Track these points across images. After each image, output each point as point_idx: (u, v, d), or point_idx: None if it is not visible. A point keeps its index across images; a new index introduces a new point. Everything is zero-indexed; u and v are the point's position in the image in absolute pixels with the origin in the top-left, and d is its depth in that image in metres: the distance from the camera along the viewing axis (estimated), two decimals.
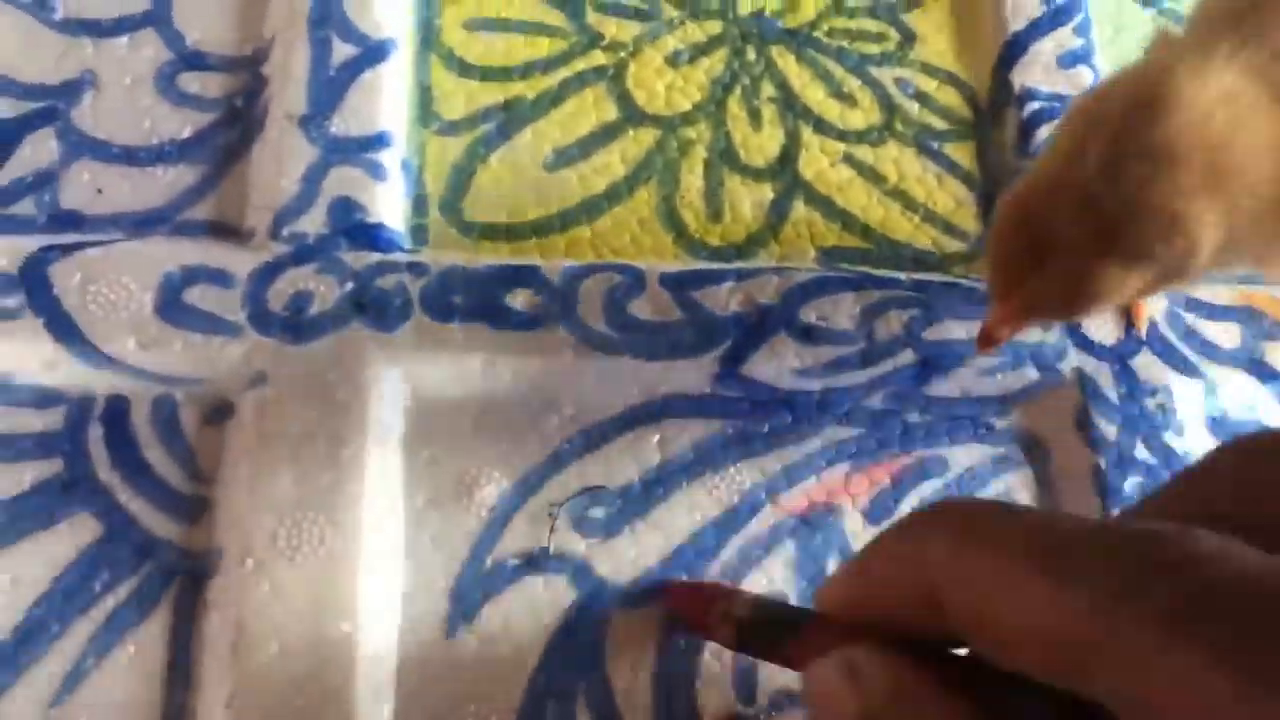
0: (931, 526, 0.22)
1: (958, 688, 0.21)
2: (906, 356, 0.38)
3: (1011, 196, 0.31)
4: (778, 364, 0.37)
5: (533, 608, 0.35)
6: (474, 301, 0.37)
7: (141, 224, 0.39)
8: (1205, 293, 0.40)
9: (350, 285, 0.37)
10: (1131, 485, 0.37)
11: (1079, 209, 0.29)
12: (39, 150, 0.39)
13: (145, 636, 0.33)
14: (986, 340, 0.33)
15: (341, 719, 0.32)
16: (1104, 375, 0.38)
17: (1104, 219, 0.29)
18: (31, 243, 0.37)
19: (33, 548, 0.34)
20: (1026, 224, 0.30)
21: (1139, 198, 0.28)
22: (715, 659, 0.34)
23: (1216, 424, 0.39)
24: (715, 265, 0.39)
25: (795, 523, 0.37)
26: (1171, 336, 0.39)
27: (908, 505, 0.37)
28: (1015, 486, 0.38)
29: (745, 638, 0.31)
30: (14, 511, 0.34)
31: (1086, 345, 0.39)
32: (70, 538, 0.34)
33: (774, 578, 0.36)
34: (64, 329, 0.35)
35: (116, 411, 0.36)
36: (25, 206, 0.38)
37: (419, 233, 0.40)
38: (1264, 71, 0.29)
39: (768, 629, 0.29)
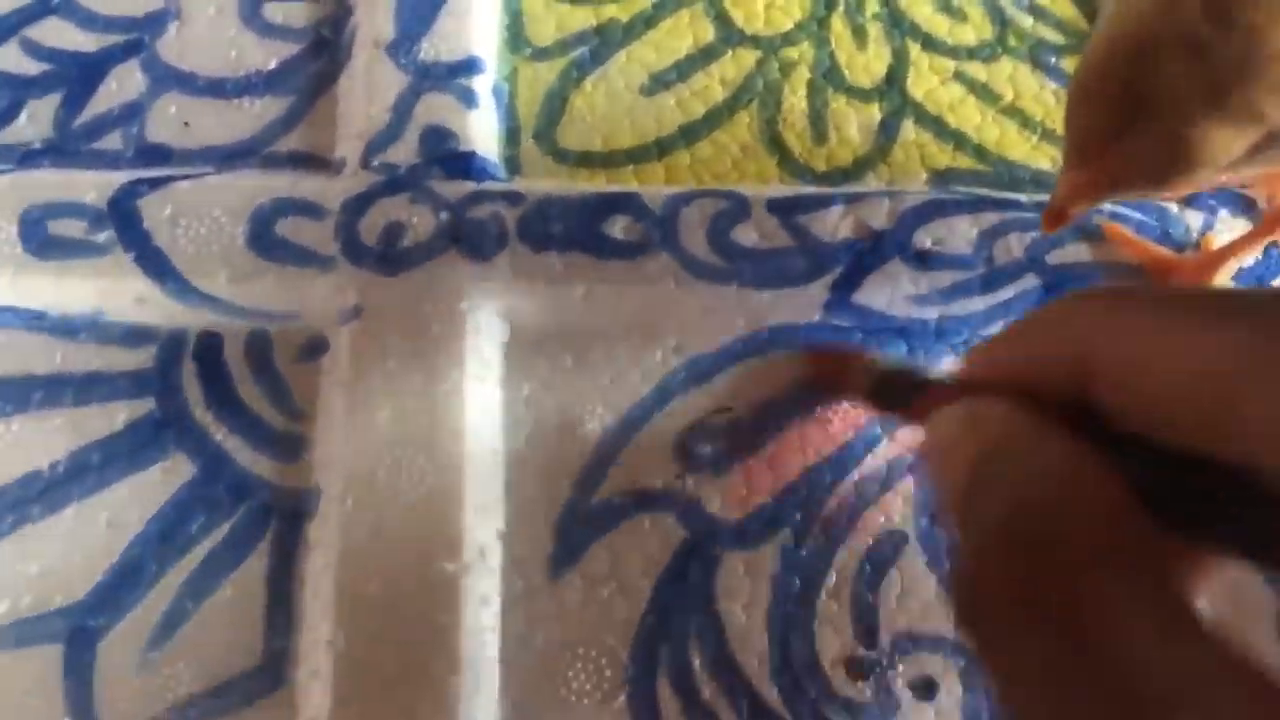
0: (1087, 294, 0.22)
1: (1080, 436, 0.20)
2: (1029, 281, 0.36)
3: (1100, 41, 0.27)
4: (892, 291, 0.35)
5: (641, 547, 0.33)
6: (572, 230, 0.35)
7: (230, 157, 0.37)
8: None
9: (444, 215, 0.35)
10: None
11: (1181, 57, 0.25)
12: (125, 84, 0.38)
13: (244, 578, 0.32)
14: (1057, 217, 0.29)
15: (447, 660, 0.30)
16: None
17: (1211, 70, 0.25)
18: (120, 177, 0.36)
19: (128, 489, 0.33)
20: (1117, 75, 0.27)
21: (1251, 45, 0.24)
22: (833, 599, 0.33)
23: None
24: (823, 190, 0.37)
25: (914, 457, 0.35)
26: None
27: None
28: None
29: (876, 391, 0.29)
30: (108, 452, 0.33)
31: None
32: (166, 478, 0.33)
33: (891, 514, 0.34)
34: (155, 264, 0.34)
35: (209, 348, 0.35)
36: (112, 140, 0.37)
37: (512, 162, 0.38)
38: None
39: (900, 383, 0.28)
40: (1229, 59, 0.25)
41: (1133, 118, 0.26)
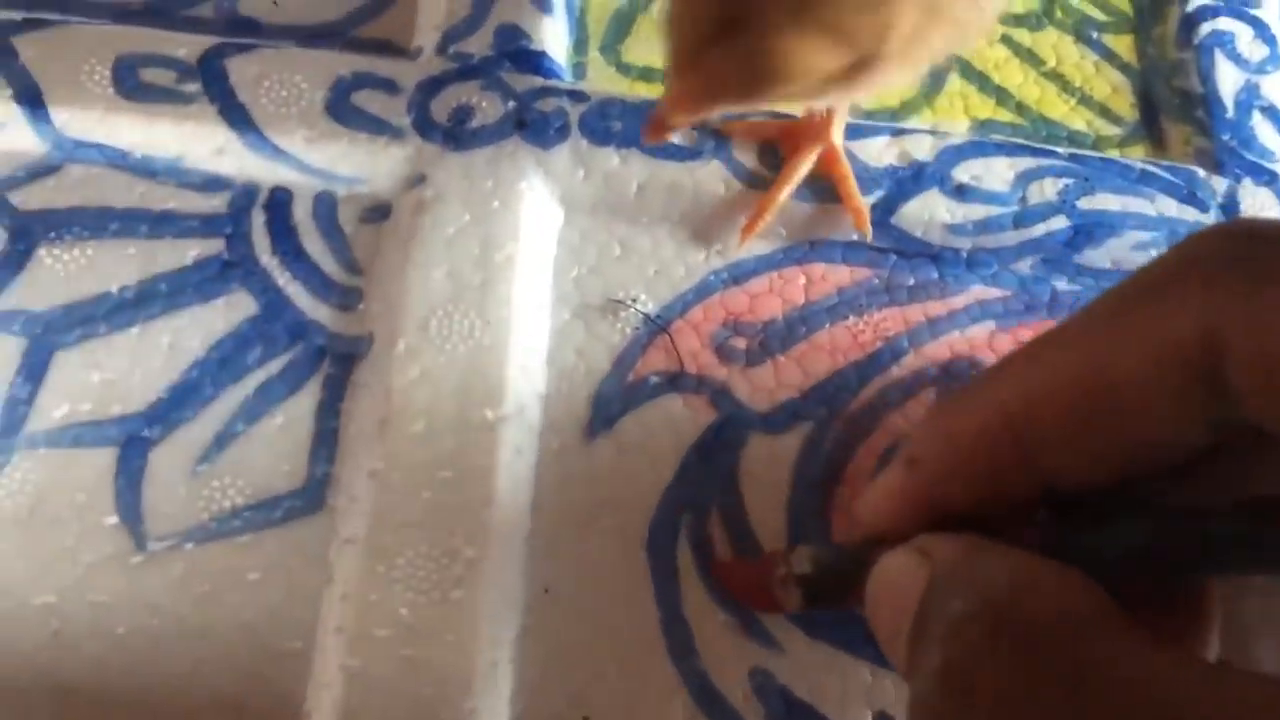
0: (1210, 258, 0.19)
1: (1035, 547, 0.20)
2: (1059, 222, 0.37)
3: None
4: (928, 218, 0.37)
5: (672, 423, 0.35)
6: (632, 130, 0.37)
7: (314, 37, 0.40)
8: None
9: (511, 104, 0.37)
10: None
11: None
12: None
13: (294, 408, 0.34)
14: (657, 128, 0.29)
15: (482, 495, 0.32)
16: None
17: None
18: (212, 39, 0.38)
19: (192, 318, 0.35)
20: None
21: None
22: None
23: None
24: (871, 122, 0.39)
25: (937, 371, 0.36)
26: None
27: None
28: None
29: (815, 591, 0.27)
30: (176, 283, 0.35)
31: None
32: (228, 312, 0.35)
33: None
34: (236, 117, 0.36)
35: (279, 202, 0.36)
36: (205, 10, 0.40)
37: (579, 69, 0.41)
38: None
39: (837, 572, 0.26)
40: None
41: (724, 31, 0.26)
